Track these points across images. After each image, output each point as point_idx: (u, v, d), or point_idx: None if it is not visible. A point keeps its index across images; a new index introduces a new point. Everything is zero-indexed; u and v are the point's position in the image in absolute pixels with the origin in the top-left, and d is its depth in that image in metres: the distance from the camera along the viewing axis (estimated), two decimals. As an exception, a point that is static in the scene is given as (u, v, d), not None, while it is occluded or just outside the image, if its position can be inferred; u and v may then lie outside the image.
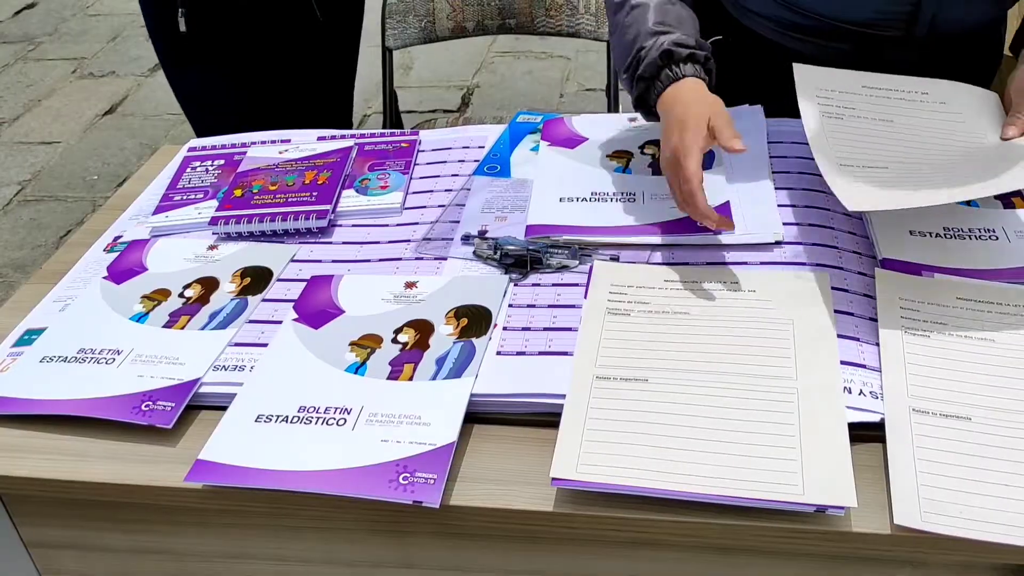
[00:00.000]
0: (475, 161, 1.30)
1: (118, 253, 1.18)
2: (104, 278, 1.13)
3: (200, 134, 1.70)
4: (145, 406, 0.92)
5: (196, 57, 1.72)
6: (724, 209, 1.10)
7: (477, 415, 0.90)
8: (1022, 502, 0.76)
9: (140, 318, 1.05)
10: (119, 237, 1.23)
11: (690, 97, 1.06)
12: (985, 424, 0.82)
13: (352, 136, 1.39)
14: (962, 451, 0.80)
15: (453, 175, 1.28)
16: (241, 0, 1.64)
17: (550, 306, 1.02)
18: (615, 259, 1.07)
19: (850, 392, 0.86)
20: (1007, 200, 1.09)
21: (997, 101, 1.13)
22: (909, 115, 1.10)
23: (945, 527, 0.75)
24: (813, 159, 1.21)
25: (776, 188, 1.14)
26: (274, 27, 1.69)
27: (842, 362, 0.89)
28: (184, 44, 1.69)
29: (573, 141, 1.29)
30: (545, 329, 0.98)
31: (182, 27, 1.65)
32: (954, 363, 0.89)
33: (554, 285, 1.05)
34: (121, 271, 1.14)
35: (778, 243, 1.06)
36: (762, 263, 1.04)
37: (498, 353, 0.95)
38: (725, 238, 1.07)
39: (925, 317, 0.94)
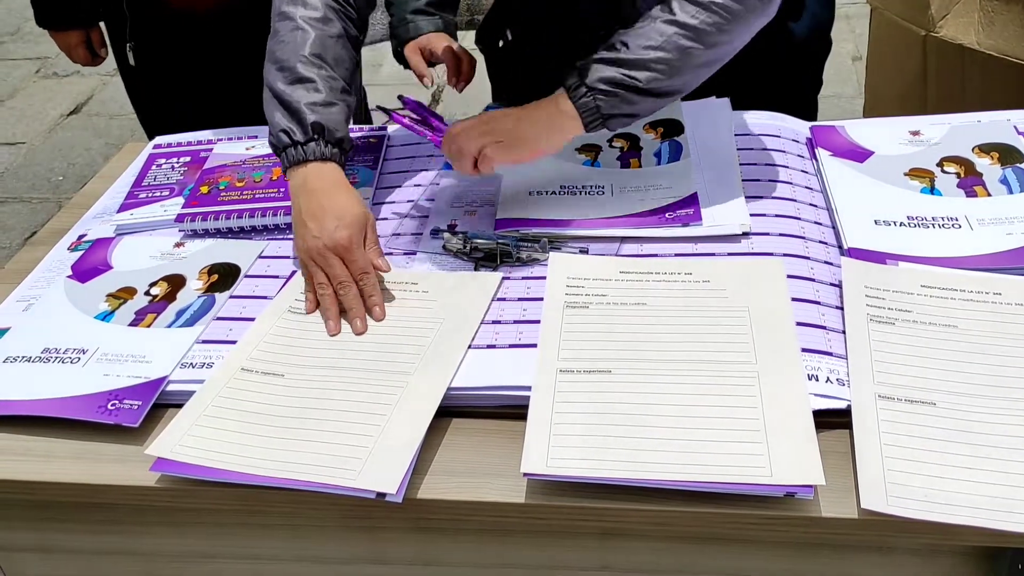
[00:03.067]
0: (444, 156, 1.30)
1: (82, 252, 1.17)
2: (68, 277, 1.12)
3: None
4: (111, 405, 0.91)
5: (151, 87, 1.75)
6: (692, 201, 1.11)
7: (449, 408, 0.89)
8: (985, 484, 0.77)
9: (105, 317, 1.04)
10: (83, 236, 1.21)
11: (345, 192, 1.04)
12: (949, 409, 0.83)
13: (320, 132, 1.38)
14: (927, 436, 0.81)
15: (422, 170, 1.27)
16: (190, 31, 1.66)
17: (520, 299, 1.02)
18: (584, 251, 1.07)
19: (817, 379, 0.87)
20: (969, 190, 1.11)
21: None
22: None
23: (911, 511, 0.75)
24: (781, 151, 1.23)
25: (744, 180, 1.15)
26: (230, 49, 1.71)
27: (809, 350, 0.90)
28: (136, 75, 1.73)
29: (542, 135, 1.29)
30: (515, 322, 0.98)
31: (131, 60, 1.68)
32: (919, 349, 0.90)
33: (524, 278, 1.05)
34: (86, 270, 1.13)
35: (745, 234, 1.06)
36: (730, 254, 1.04)
37: (469, 347, 0.95)
38: (693, 231, 1.07)
39: (890, 305, 0.95)
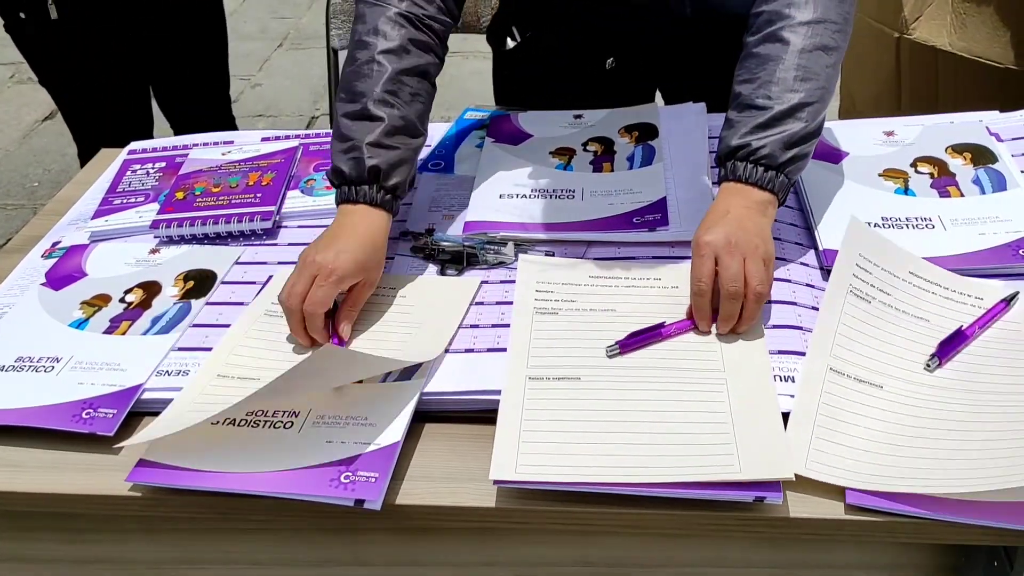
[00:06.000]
0: (422, 160, 1.30)
1: (56, 259, 1.16)
2: (42, 284, 1.11)
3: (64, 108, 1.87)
4: (86, 414, 0.90)
5: (66, 44, 1.74)
6: (660, 206, 1.11)
7: (426, 413, 0.89)
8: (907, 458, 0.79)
9: (80, 324, 1.03)
10: (57, 243, 1.20)
11: (371, 244, 0.98)
12: (895, 394, 0.86)
13: (297, 136, 1.37)
14: (865, 414, 0.83)
15: (399, 174, 1.27)
16: None
17: (498, 303, 1.02)
18: (550, 255, 1.07)
19: (793, 380, 0.87)
20: (943, 190, 1.12)
21: None
22: None
23: (824, 476, 0.78)
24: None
25: (717, 183, 1.15)
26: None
27: (784, 351, 0.91)
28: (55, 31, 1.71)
29: (518, 137, 1.29)
30: (493, 326, 0.98)
31: (53, 14, 1.67)
32: (884, 333, 0.91)
33: (502, 282, 1.05)
34: (60, 277, 1.12)
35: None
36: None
37: (446, 351, 0.95)
38: (660, 236, 1.08)
39: (874, 282, 0.95)
